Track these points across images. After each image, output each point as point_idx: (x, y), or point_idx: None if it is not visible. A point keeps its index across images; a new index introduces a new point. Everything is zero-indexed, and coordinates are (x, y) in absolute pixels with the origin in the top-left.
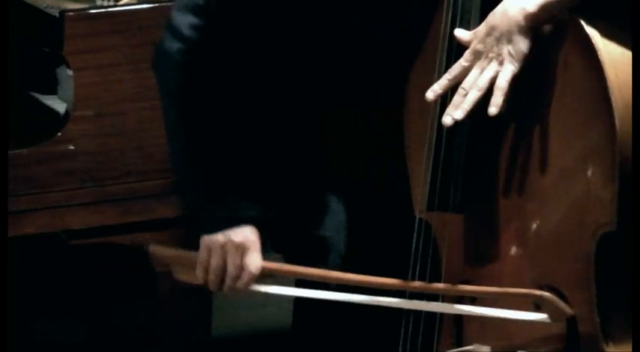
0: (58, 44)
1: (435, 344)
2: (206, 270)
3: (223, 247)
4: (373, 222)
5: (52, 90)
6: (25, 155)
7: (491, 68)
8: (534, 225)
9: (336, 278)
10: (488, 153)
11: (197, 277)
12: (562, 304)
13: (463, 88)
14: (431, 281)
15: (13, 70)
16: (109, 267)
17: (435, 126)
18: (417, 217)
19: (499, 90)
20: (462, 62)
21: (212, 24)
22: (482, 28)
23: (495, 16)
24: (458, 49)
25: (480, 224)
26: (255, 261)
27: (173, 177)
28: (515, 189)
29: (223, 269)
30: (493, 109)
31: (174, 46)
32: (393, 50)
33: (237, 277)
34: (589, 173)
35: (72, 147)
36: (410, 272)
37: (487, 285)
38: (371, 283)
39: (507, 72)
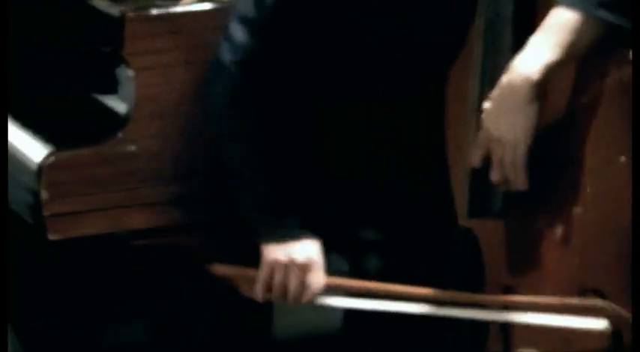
0: (118, 45)
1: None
2: (268, 288)
3: (286, 266)
4: (411, 231)
5: (112, 90)
6: (86, 155)
7: (510, 150)
8: (578, 227)
9: (399, 292)
10: (528, 156)
11: (259, 294)
12: (622, 311)
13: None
14: (474, 287)
15: (74, 70)
16: (169, 268)
17: (473, 131)
18: (459, 224)
19: (519, 170)
20: (480, 145)
21: (266, 36)
22: (490, 106)
23: (502, 90)
24: (493, 53)
25: (522, 229)
26: (317, 279)
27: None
28: (558, 192)
29: (286, 287)
30: (520, 186)
31: (230, 57)
32: (391, 44)
33: (300, 294)
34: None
35: (133, 148)
36: (451, 280)
37: (531, 291)
38: (434, 296)
39: (521, 151)
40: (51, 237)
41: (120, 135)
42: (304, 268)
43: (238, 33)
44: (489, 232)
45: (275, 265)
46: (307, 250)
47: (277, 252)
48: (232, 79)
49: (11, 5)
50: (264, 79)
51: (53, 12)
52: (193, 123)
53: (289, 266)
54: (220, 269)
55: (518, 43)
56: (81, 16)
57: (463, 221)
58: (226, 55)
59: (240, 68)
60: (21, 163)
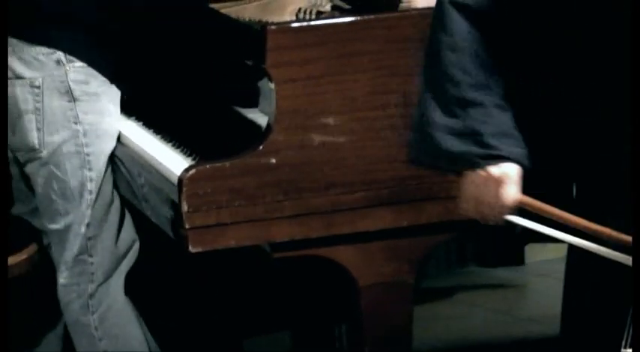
0: (259, 57)
1: None
2: (473, 202)
3: (485, 181)
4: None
5: (254, 103)
6: (227, 168)
7: None
8: None
9: (592, 229)
10: None
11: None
12: None
13: None
14: None
15: (215, 83)
16: (310, 281)
17: None
18: None
19: None
20: None
21: None
22: None
23: None
24: None
25: None
26: (510, 193)
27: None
28: None
29: (481, 197)
30: None
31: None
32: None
33: (495, 207)
34: None
35: (273, 160)
36: None
37: None
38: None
39: None
40: (192, 249)
41: (261, 147)
42: (499, 180)
43: None
44: None
45: (475, 180)
46: (503, 166)
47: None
48: (448, 16)
49: (155, 22)
50: (481, 21)
51: (195, 26)
52: (335, 135)
53: (487, 179)
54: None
55: None
56: (223, 29)
57: None
58: None
59: (456, 7)
60: (162, 176)
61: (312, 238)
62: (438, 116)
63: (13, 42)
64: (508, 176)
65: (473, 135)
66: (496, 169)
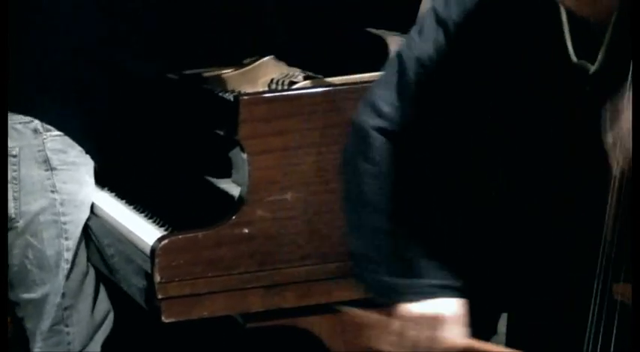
0: (232, 128)
1: None
2: (399, 341)
3: (419, 319)
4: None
5: (226, 173)
6: (201, 238)
7: None
8: None
9: None
10: None
11: (389, 345)
12: None
13: None
14: None
15: (190, 153)
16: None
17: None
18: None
19: None
20: None
21: (413, 102)
22: None
23: None
24: None
25: None
26: (451, 335)
27: (359, 249)
28: None
29: (417, 341)
30: None
31: (374, 122)
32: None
33: (429, 349)
34: None
35: (247, 231)
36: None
37: None
38: None
39: None
40: (165, 319)
41: (234, 217)
42: (436, 320)
43: (381, 100)
44: None
45: (408, 316)
46: (441, 303)
47: (409, 306)
48: (372, 144)
49: (128, 91)
50: (407, 146)
51: (168, 96)
52: (309, 206)
53: (422, 318)
54: (355, 313)
55: None
56: (196, 99)
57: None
58: (367, 120)
59: (381, 134)
60: (135, 247)
61: (286, 308)
62: (360, 245)
63: None
64: (445, 315)
65: (400, 265)
66: (430, 307)
